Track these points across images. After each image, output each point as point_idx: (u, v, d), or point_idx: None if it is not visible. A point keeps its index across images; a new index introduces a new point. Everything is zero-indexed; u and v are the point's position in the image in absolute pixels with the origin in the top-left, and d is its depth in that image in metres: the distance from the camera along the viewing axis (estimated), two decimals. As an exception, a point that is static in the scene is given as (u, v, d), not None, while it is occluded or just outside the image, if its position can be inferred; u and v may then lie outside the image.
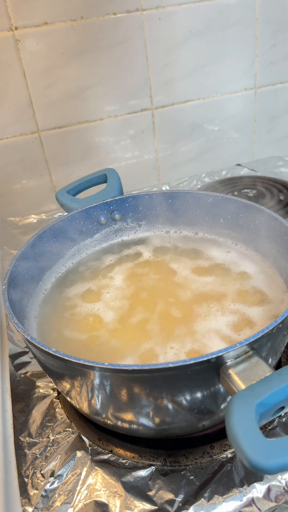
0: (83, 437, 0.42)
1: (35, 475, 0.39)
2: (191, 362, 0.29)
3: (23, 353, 0.52)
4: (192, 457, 0.39)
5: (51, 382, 0.48)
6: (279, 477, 0.37)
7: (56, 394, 0.47)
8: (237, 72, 0.90)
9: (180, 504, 0.36)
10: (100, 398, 0.35)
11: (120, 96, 0.84)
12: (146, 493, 0.37)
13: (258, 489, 0.36)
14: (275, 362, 0.39)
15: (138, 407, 0.34)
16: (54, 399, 0.46)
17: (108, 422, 0.38)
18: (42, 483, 0.38)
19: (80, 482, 0.38)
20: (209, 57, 0.86)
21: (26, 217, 0.86)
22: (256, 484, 0.36)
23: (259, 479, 0.37)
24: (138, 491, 0.37)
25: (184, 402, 0.33)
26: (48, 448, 0.41)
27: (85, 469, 0.39)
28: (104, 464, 0.39)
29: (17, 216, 0.87)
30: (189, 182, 0.93)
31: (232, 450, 0.40)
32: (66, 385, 0.37)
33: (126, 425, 0.37)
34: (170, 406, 0.33)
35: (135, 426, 0.37)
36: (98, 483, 0.38)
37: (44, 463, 0.40)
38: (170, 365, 0.29)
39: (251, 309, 0.44)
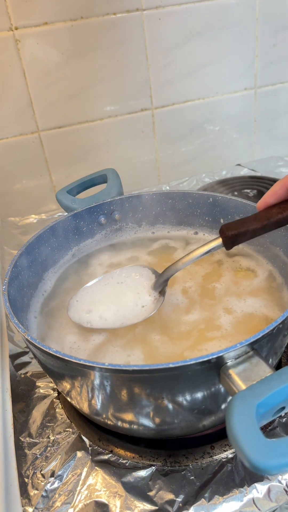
0: (83, 437, 0.42)
1: (35, 475, 0.39)
2: (192, 362, 0.29)
3: (23, 353, 0.52)
4: (193, 457, 0.39)
5: (51, 382, 0.48)
6: (279, 477, 0.36)
7: (56, 394, 0.47)
8: (237, 72, 0.90)
9: (180, 504, 0.36)
10: (100, 398, 0.35)
11: (120, 96, 0.84)
12: (146, 493, 0.37)
13: (258, 490, 0.36)
14: (275, 363, 0.39)
15: (138, 407, 0.34)
16: (54, 399, 0.46)
17: (108, 422, 0.38)
18: (42, 483, 0.38)
19: (81, 482, 0.38)
20: (209, 57, 0.86)
21: (26, 217, 0.86)
22: (256, 485, 0.36)
23: (259, 479, 0.37)
24: (139, 491, 0.37)
25: (184, 402, 0.33)
26: (48, 448, 0.41)
27: (85, 469, 0.39)
28: (104, 464, 0.39)
29: (17, 216, 0.86)
30: (189, 182, 0.93)
31: (233, 450, 0.40)
32: (66, 385, 0.37)
33: (126, 425, 0.37)
34: (170, 406, 0.33)
35: (135, 426, 0.37)
36: (98, 483, 0.38)
37: (44, 463, 0.40)
38: (171, 365, 0.29)
39: (251, 307, 0.44)
